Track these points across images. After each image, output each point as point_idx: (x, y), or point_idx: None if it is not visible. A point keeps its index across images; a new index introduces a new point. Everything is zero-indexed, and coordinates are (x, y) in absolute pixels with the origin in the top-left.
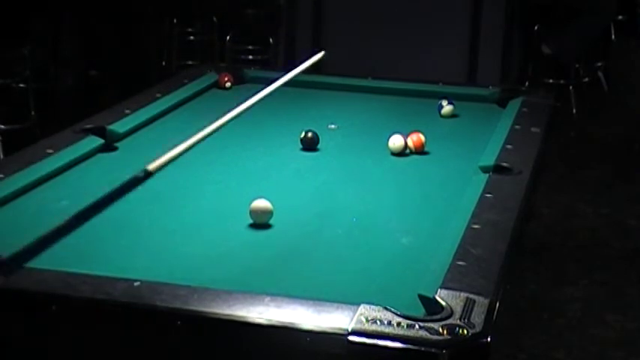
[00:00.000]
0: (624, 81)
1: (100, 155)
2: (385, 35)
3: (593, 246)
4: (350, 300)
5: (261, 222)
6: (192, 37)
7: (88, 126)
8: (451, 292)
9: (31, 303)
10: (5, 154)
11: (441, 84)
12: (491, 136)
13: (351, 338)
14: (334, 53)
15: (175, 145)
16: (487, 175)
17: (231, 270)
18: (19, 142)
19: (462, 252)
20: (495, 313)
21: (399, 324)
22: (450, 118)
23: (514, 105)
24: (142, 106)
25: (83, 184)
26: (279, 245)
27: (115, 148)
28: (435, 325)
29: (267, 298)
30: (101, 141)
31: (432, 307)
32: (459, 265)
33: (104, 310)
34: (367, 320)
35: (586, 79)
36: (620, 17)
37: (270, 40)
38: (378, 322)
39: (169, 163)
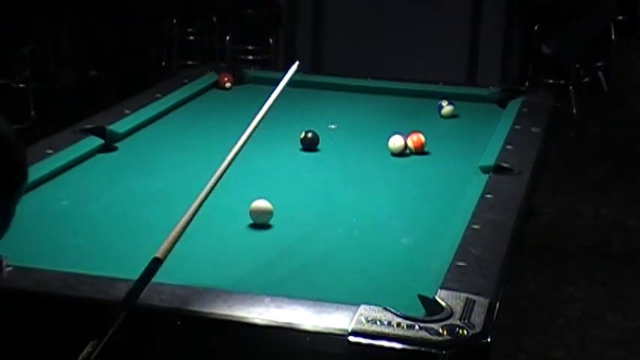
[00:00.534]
0: (624, 81)
1: (99, 155)
2: (385, 35)
3: (593, 246)
4: (350, 300)
5: (261, 222)
6: (192, 37)
7: (88, 126)
8: (451, 293)
9: (31, 303)
10: None
11: (441, 84)
12: (492, 137)
13: (351, 339)
14: (334, 53)
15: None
16: (487, 175)
17: (232, 270)
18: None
19: (462, 252)
20: (495, 313)
21: (399, 324)
22: (450, 118)
23: (514, 105)
24: (142, 106)
25: (83, 184)
26: (279, 245)
27: (115, 149)
28: (435, 326)
29: (268, 299)
30: (101, 141)
31: (432, 307)
32: (459, 265)
33: (104, 310)
34: (367, 321)
35: (586, 79)
36: (620, 17)
37: (270, 40)
38: (378, 322)
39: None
